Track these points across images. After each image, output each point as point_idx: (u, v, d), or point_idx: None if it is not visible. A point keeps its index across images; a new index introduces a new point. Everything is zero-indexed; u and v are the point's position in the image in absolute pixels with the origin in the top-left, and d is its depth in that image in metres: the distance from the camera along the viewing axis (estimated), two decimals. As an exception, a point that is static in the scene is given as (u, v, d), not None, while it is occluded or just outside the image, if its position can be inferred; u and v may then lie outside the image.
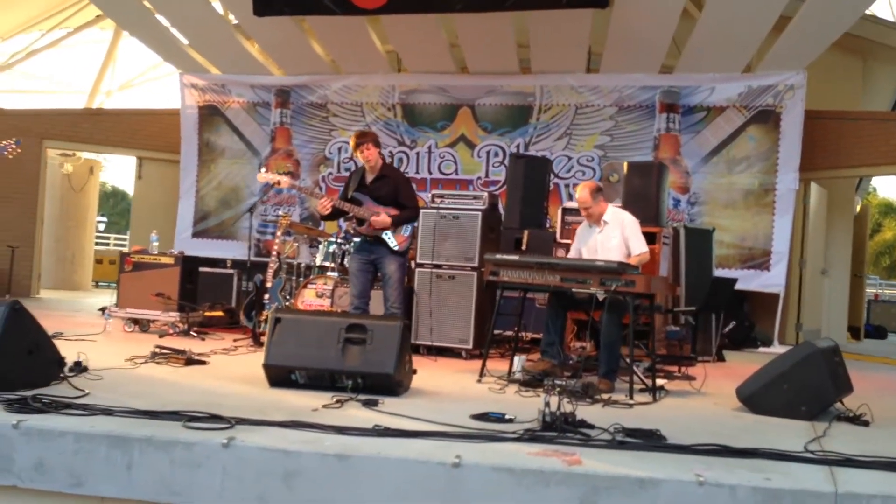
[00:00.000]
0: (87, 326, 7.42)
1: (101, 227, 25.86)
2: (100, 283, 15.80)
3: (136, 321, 7.54)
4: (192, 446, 3.24)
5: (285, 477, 3.17)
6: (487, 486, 3.10)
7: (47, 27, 13.68)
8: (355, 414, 4.01)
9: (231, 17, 10.43)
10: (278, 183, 6.53)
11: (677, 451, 3.51)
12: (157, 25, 10.38)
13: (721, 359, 7.56)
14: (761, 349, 8.96)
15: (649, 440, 3.66)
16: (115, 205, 40.27)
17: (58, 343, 6.01)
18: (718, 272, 8.08)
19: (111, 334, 7.16)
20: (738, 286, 7.33)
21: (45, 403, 3.59)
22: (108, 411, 3.61)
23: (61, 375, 4.32)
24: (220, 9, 10.39)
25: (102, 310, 7.79)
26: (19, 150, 6.09)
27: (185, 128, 11.30)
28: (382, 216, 6.14)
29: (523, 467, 3.14)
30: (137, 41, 11.40)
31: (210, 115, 11.27)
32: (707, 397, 5.34)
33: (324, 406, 4.10)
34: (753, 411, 4.68)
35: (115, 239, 21.27)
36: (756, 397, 4.69)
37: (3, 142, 6.05)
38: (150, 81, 15.54)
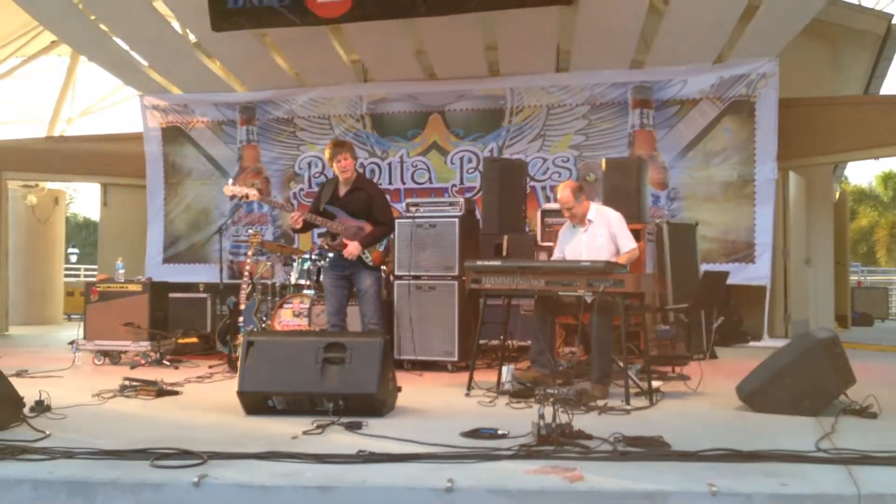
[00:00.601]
0: (56, 361, 7.10)
1: (74, 258, 25.41)
2: (72, 316, 15.33)
3: (105, 353, 7.22)
4: (160, 488, 2.98)
5: (265, 515, 2.92)
6: (484, 511, 2.87)
7: (2, 56, 13.31)
8: (338, 439, 3.77)
9: (190, 35, 10.15)
10: (246, 196, 6.26)
11: (684, 458, 3.30)
12: (114, 48, 10.06)
13: (714, 356, 7.37)
14: (752, 343, 8.79)
15: (653, 449, 3.45)
16: (87, 236, 39.64)
17: (23, 381, 5.84)
18: (703, 267, 7.90)
19: (79, 368, 6.84)
20: (723, 280, 7.17)
21: (-1, 449, 3.31)
22: (69, 454, 3.34)
23: (21, 417, 4.02)
24: (179, 28, 10.11)
25: (72, 343, 7.46)
26: None
27: (150, 151, 10.98)
28: (351, 245, 5.89)
29: (522, 488, 2.91)
30: (96, 65, 11.09)
31: (174, 136, 10.96)
32: (705, 397, 5.14)
33: (304, 433, 3.85)
34: (755, 409, 4.49)
35: (86, 270, 20.80)
36: (757, 395, 4.50)
37: None
38: (112, 106, 15.18)
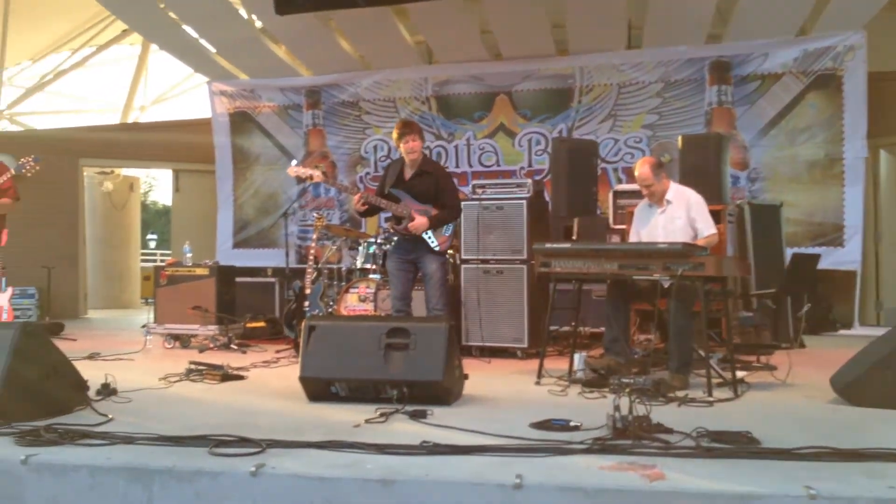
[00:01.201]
0: (128, 345, 7.16)
1: (153, 244, 26.03)
2: (149, 300, 15.67)
3: (175, 337, 7.25)
4: (217, 476, 2.86)
5: (323, 508, 2.77)
6: (556, 510, 2.66)
7: (76, 45, 13.57)
8: (401, 428, 3.60)
9: (256, 21, 10.12)
10: (310, 178, 6.12)
11: (776, 456, 3.02)
12: (183, 36, 10.13)
13: (801, 345, 6.97)
14: (841, 332, 8.34)
15: (741, 445, 3.17)
16: (166, 223, 40.65)
17: (94, 364, 5.88)
18: (788, 251, 7.48)
19: (150, 352, 6.86)
20: (810, 265, 6.77)
21: (59, 434, 3.24)
22: (129, 439, 3.25)
23: (85, 400, 3.98)
24: (245, 14, 10.10)
25: (144, 326, 7.52)
26: (38, 167, 5.82)
27: (218, 136, 11.05)
28: (419, 219, 5.71)
29: (597, 486, 2.68)
30: (166, 53, 11.20)
31: (242, 121, 10.99)
32: (796, 389, 4.80)
33: (367, 421, 3.70)
34: (852, 403, 4.15)
35: (162, 255, 21.24)
36: (854, 387, 4.15)
37: (23, 159, 5.78)
38: (184, 93, 15.41)
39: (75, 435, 3.25)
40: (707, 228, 5.16)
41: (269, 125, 10.91)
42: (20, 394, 3.58)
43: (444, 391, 4.10)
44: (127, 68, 14.27)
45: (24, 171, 5.75)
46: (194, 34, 10.17)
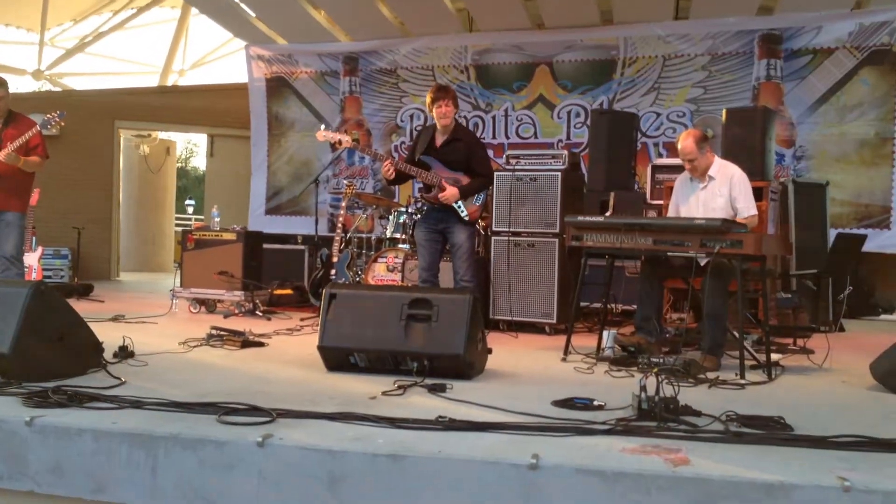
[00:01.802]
0: (155, 308, 7.15)
1: (190, 209, 26.24)
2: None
3: (201, 301, 7.22)
4: (223, 446, 2.77)
5: (330, 482, 2.67)
6: (571, 493, 2.53)
7: (117, 6, 13.58)
8: (418, 402, 3.48)
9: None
10: (339, 143, 6.00)
11: (809, 444, 2.85)
12: (223, -1, 10.02)
13: (841, 328, 6.72)
14: (883, 316, 8.06)
15: (772, 431, 3.00)
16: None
17: (116, 326, 5.86)
18: (832, 232, 7.20)
19: (175, 316, 6.85)
20: (854, 247, 6.49)
21: (67, 396, 3.18)
22: (137, 403, 3.18)
23: (100, 363, 3.93)
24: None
25: (171, 290, 7.51)
26: (62, 123, 5.77)
27: (254, 102, 10.97)
28: (450, 189, 5.55)
29: (617, 469, 2.54)
30: (206, 17, 11.12)
31: (278, 87, 10.89)
32: (833, 374, 4.60)
33: (384, 393, 3.59)
34: (893, 391, 3.94)
35: (197, 220, 21.39)
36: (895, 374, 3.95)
37: (48, 115, 5.73)
38: (223, 57, 15.39)
39: (84, 398, 3.20)
40: (747, 209, 4.92)
41: (306, 91, 10.79)
42: (31, 354, 3.53)
43: (465, 365, 3.98)
44: (167, 31, 14.30)
45: (49, 126, 5.70)
46: (235, -3, 10.07)
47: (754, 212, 4.95)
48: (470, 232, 5.68)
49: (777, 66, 8.79)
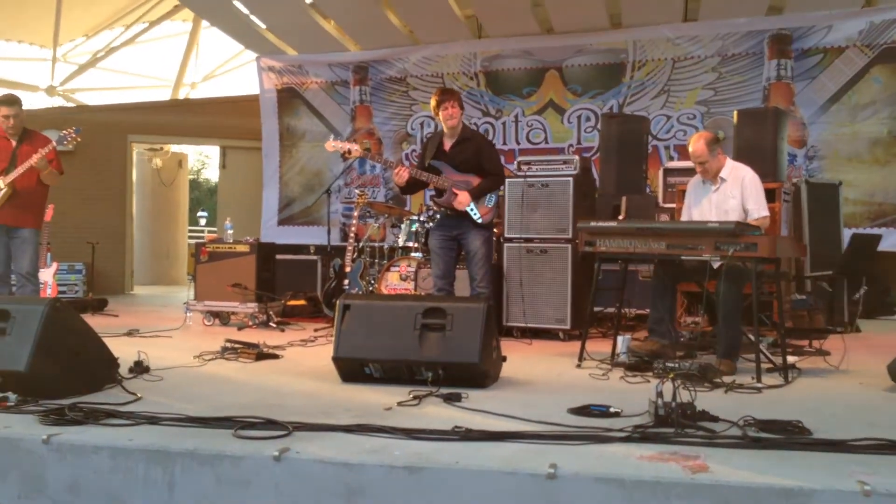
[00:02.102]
0: (169, 321, 7.19)
1: (203, 221, 26.34)
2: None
3: (216, 314, 7.24)
4: (239, 461, 2.77)
5: (348, 495, 2.66)
6: (590, 502, 2.51)
7: (129, 21, 13.68)
8: (434, 412, 3.48)
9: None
10: (349, 152, 5.99)
11: (828, 448, 2.82)
12: (234, 11, 10.07)
13: (857, 329, 6.68)
14: (899, 316, 8.01)
15: (791, 436, 2.98)
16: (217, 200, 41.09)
17: (131, 341, 5.88)
18: (846, 232, 7.15)
19: (189, 329, 6.87)
20: (869, 246, 6.44)
21: (84, 413, 3.20)
22: (154, 419, 3.19)
23: (116, 378, 3.94)
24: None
25: (185, 303, 7.53)
26: (79, 139, 5.80)
27: (265, 113, 11.02)
28: (462, 195, 5.54)
29: (635, 477, 2.53)
30: (217, 30, 11.19)
31: (289, 98, 10.94)
32: (850, 376, 4.56)
33: (399, 404, 3.59)
34: (911, 392, 3.92)
35: (210, 232, 21.46)
36: (914, 376, 3.92)
37: (64, 131, 5.76)
38: (234, 70, 15.47)
39: (100, 414, 3.21)
40: (758, 210, 4.88)
41: (316, 101, 10.84)
42: (47, 372, 3.55)
43: (480, 374, 3.97)
44: (178, 45, 14.39)
45: (66, 142, 5.73)
46: (245, 10, 10.12)
47: (765, 213, 4.92)
48: (485, 237, 5.65)
49: (787, 66, 8.76)
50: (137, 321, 7.22)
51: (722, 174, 5.01)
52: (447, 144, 5.69)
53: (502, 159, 6.60)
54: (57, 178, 5.85)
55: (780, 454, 2.78)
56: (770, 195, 5.86)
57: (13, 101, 5.74)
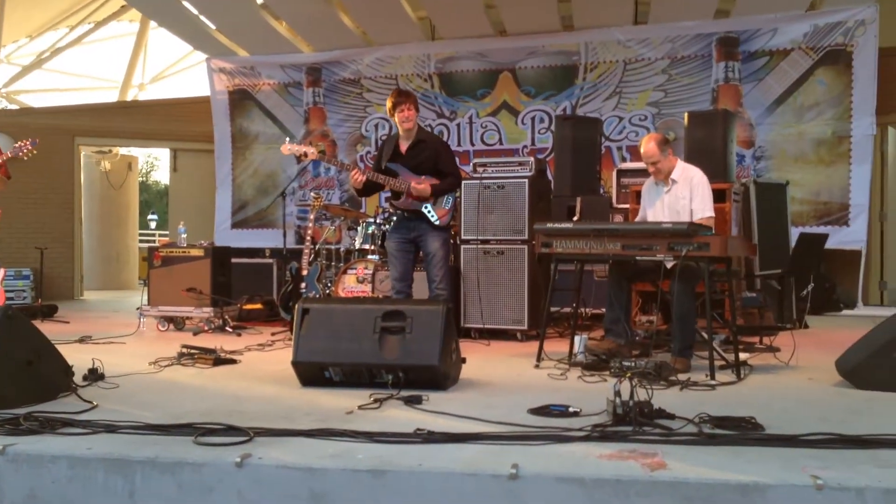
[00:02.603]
0: (122, 327, 7.06)
1: (153, 224, 25.94)
2: (145, 282, 15.59)
3: (170, 319, 7.14)
4: (201, 467, 2.75)
5: (311, 500, 2.66)
6: (552, 501, 2.55)
7: (74, 22, 13.42)
8: (396, 415, 3.49)
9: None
10: (304, 155, 5.97)
11: (781, 443, 2.91)
12: (183, 12, 9.94)
13: (805, 325, 6.85)
14: (845, 312, 8.22)
15: (745, 431, 3.06)
16: (167, 203, 40.54)
17: (84, 348, 5.78)
18: (794, 230, 7.33)
19: (143, 335, 6.77)
20: (815, 244, 6.62)
21: (39, 422, 3.14)
22: (112, 427, 3.14)
23: (71, 386, 3.87)
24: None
25: (138, 308, 7.42)
26: (35, 151, 5.65)
27: (217, 115, 10.90)
28: (423, 184, 5.55)
29: (595, 476, 2.57)
30: (165, 31, 11.03)
31: (241, 99, 10.84)
32: (800, 372, 4.69)
33: (360, 407, 3.59)
34: (858, 387, 4.04)
35: (160, 235, 21.15)
36: (861, 370, 4.04)
37: (19, 143, 5.62)
38: (183, 71, 15.27)
39: (56, 423, 3.15)
40: (703, 210, 4.95)
41: (269, 103, 10.75)
42: (2, 381, 3.47)
43: (440, 376, 4.00)
44: (125, 46, 14.15)
45: (20, 154, 5.59)
46: (194, 10, 10.00)
47: (709, 213, 4.98)
48: (443, 239, 5.68)
49: (735, 69, 8.95)
50: (89, 327, 7.09)
51: (673, 175, 5.10)
52: (403, 146, 5.70)
53: (457, 161, 6.63)
54: (5, 185, 5.72)
55: (734, 450, 2.86)
56: (720, 196, 6.00)
57: None
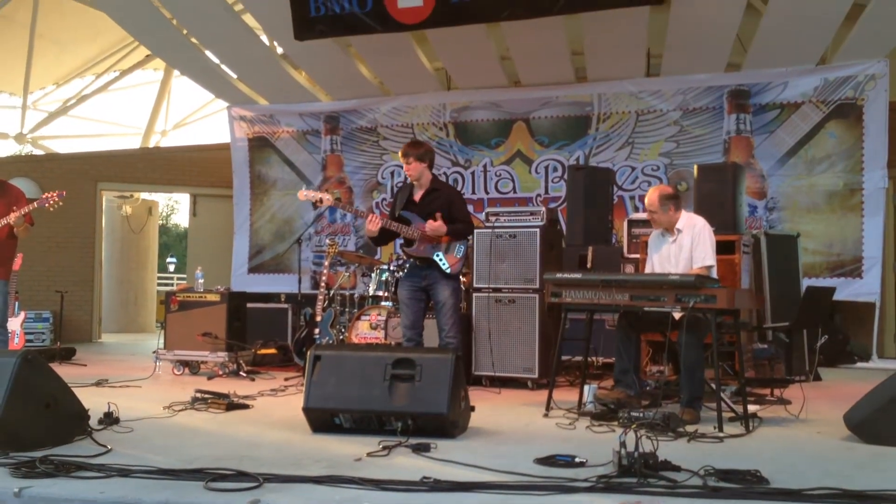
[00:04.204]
0: (138, 370, 7.15)
1: (171, 268, 26.19)
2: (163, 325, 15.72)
3: (185, 363, 7.22)
4: (210, 513, 2.81)
5: (317, 546, 2.71)
6: (555, 552, 2.59)
7: (100, 70, 13.77)
8: (403, 462, 3.54)
9: (278, 47, 10.20)
10: (320, 201, 6.11)
11: (784, 497, 2.94)
12: (205, 62, 10.20)
13: (817, 378, 6.84)
14: (859, 364, 8.18)
15: (748, 485, 3.08)
16: (186, 246, 40.87)
17: (100, 391, 5.87)
18: (806, 282, 7.35)
19: (159, 378, 6.85)
20: (828, 296, 6.62)
21: (55, 466, 3.21)
22: (125, 472, 3.22)
23: (86, 430, 3.95)
24: (266, 40, 10.21)
25: (155, 352, 7.51)
26: (61, 203, 5.78)
27: (236, 161, 11.09)
28: (438, 222, 5.64)
29: (598, 527, 2.61)
30: (188, 79, 11.30)
31: (260, 146, 11.03)
32: (809, 425, 4.69)
33: (368, 454, 3.64)
34: (866, 441, 4.04)
35: (179, 279, 21.33)
36: (868, 424, 4.05)
37: (46, 193, 5.76)
38: (205, 118, 15.55)
39: (71, 467, 3.23)
40: (704, 259, 4.99)
41: (288, 150, 10.94)
42: (19, 423, 3.56)
43: (449, 424, 4.05)
44: (149, 93, 14.46)
45: (46, 205, 5.73)
46: (216, 60, 10.26)
47: (710, 262, 5.01)
48: (454, 288, 5.75)
49: (746, 121, 9.04)
50: (106, 370, 7.19)
51: (678, 226, 5.16)
52: (417, 195, 5.81)
53: (471, 208, 6.72)
54: (29, 232, 5.85)
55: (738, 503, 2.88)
56: (730, 247, 6.06)
57: None
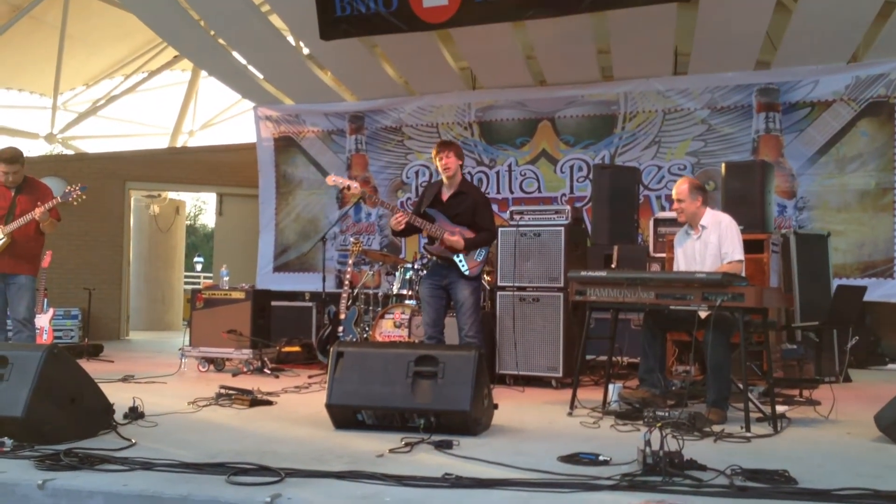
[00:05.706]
0: (164, 367, 7.21)
1: (199, 267, 26.42)
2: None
3: (210, 360, 7.27)
4: (232, 506, 2.81)
5: (338, 541, 2.70)
6: (578, 549, 2.56)
7: (129, 71, 13.92)
8: (425, 459, 3.52)
9: (304, 48, 10.25)
10: (347, 188, 6.09)
11: (813, 498, 2.88)
12: (232, 62, 10.28)
13: (847, 379, 6.72)
14: (890, 366, 8.03)
15: (776, 485, 3.03)
16: (213, 247, 41.18)
17: (127, 386, 5.93)
18: (836, 282, 7.23)
19: (184, 375, 6.90)
20: (859, 296, 6.50)
21: (79, 458, 3.23)
22: (148, 465, 3.23)
23: (111, 424, 3.98)
24: (292, 41, 10.26)
25: (180, 349, 7.56)
26: (84, 197, 5.84)
27: (262, 161, 11.15)
28: (457, 237, 5.62)
29: (621, 525, 2.57)
30: (215, 79, 11.39)
31: (286, 146, 11.08)
32: (838, 426, 4.61)
33: (391, 450, 3.63)
34: (897, 442, 3.96)
35: (206, 277, 21.50)
36: (900, 425, 3.97)
37: (69, 187, 5.82)
38: (232, 118, 15.68)
39: (95, 460, 3.25)
40: (733, 253, 4.95)
41: (313, 150, 10.98)
42: (44, 417, 3.59)
43: (471, 421, 4.02)
44: (177, 94, 14.60)
45: (70, 199, 5.78)
46: (242, 60, 10.34)
47: (739, 257, 4.96)
48: (473, 287, 5.72)
49: (776, 119, 8.92)
50: (133, 367, 7.25)
51: (702, 222, 5.11)
52: (445, 195, 5.79)
53: (496, 207, 6.69)
54: (55, 227, 5.91)
55: (765, 503, 2.83)
56: (758, 246, 5.97)
57: (13, 160, 5.68)
